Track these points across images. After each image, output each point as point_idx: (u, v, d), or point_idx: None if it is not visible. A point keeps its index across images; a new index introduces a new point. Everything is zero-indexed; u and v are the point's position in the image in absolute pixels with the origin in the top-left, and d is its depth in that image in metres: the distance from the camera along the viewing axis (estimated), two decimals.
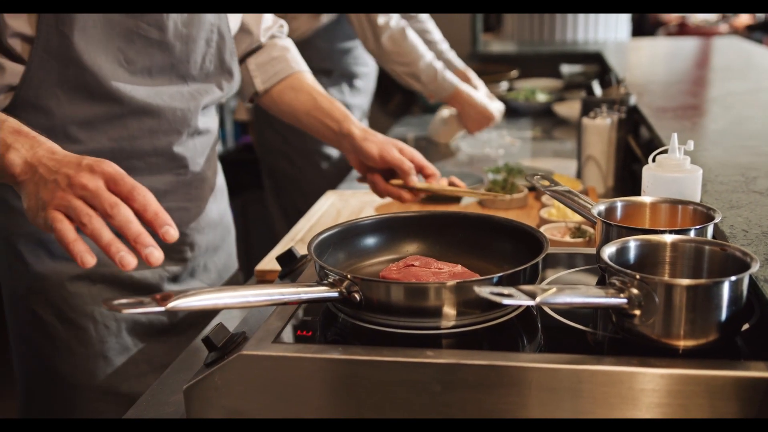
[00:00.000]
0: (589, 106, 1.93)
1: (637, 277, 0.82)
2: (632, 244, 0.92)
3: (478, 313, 0.92)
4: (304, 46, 2.45)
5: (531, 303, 0.77)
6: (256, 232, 3.63)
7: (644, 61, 3.22)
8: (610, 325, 0.92)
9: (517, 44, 4.08)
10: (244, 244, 3.65)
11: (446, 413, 0.84)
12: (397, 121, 3.02)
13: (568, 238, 1.45)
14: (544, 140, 2.55)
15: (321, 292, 0.92)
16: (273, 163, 2.59)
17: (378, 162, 1.47)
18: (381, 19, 2.30)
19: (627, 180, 1.96)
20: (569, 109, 2.74)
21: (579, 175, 2.00)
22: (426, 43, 2.65)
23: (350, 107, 2.60)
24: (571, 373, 0.81)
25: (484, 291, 0.77)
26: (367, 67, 2.64)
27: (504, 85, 3.14)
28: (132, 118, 1.26)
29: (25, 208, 0.95)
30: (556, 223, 1.52)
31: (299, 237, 1.62)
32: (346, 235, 1.11)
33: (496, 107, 2.44)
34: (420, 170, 1.50)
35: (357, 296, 0.91)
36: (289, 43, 1.61)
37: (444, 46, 2.70)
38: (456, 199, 1.81)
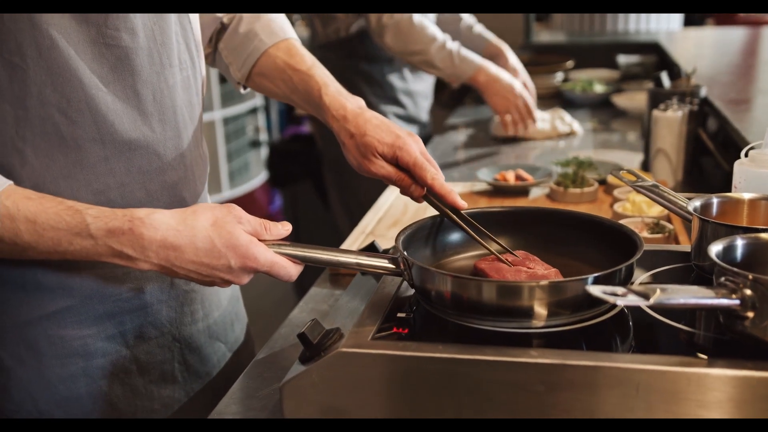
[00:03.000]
0: (659, 99, 1.89)
1: (750, 277, 0.80)
2: (740, 242, 0.89)
3: (569, 314, 0.90)
4: (364, 34, 2.43)
5: (645, 303, 0.75)
6: (305, 224, 3.64)
7: (703, 51, 3.15)
8: (712, 324, 0.90)
9: (567, 34, 4.02)
10: (294, 237, 3.65)
11: (550, 413, 0.82)
12: (451, 112, 3.00)
13: (646, 234, 1.42)
14: (603, 132, 2.51)
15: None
16: (337, 155, 2.57)
17: (360, 172, 1.18)
18: (385, 16, 2.25)
19: (696, 174, 1.92)
20: (629, 100, 2.69)
21: (645, 167, 1.97)
22: (453, 22, 2.60)
23: (413, 94, 2.57)
24: (682, 375, 0.78)
25: (597, 290, 0.75)
26: None
27: (559, 76, 3.10)
28: (118, 159, 1.00)
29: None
30: (631, 218, 1.49)
31: (369, 230, 1.61)
32: (432, 230, 1.10)
33: (520, 85, 2.34)
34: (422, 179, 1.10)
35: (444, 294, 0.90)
36: None
37: (472, 21, 2.65)
38: (524, 192, 1.79)
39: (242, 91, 1.32)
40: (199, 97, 1.13)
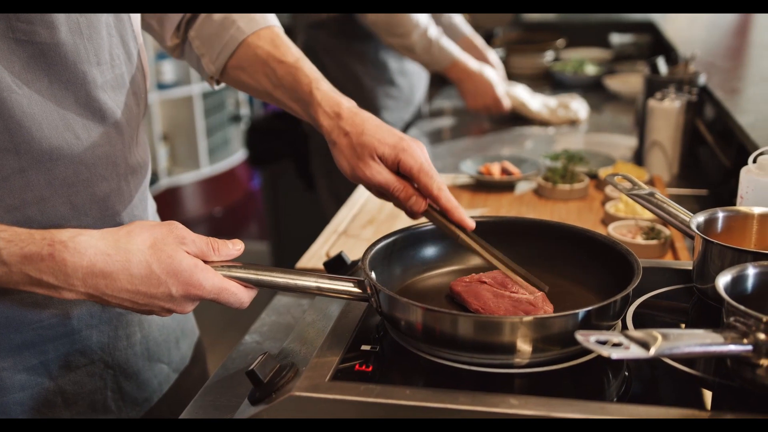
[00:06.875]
0: (655, 86, 1.78)
1: (765, 320, 0.69)
2: (751, 271, 0.78)
3: (556, 350, 0.79)
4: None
5: (645, 356, 0.64)
6: (286, 207, 3.52)
7: (698, 31, 3.02)
8: (713, 364, 0.80)
9: None
10: (275, 222, 3.54)
11: None
12: (436, 91, 2.87)
13: (640, 239, 1.31)
14: (594, 115, 2.39)
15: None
16: (323, 140, 2.44)
17: (352, 179, 1.02)
18: None
19: (692, 167, 1.81)
20: (622, 83, 2.57)
21: (638, 159, 1.86)
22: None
23: (408, 74, 2.42)
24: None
25: (588, 341, 0.65)
26: None
27: (549, 55, 2.97)
28: (37, 171, 0.86)
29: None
30: (624, 221, 1.38)
31: (341, 228, 1.49)
32: (404, 243, 0.99)
33: (502, 88, 2.26)
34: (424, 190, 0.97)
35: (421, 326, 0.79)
36: None
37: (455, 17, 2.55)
38: (510, 187, 1.67)
39: (215, 86, 1.15)
40: (139, 96, 0.99)
